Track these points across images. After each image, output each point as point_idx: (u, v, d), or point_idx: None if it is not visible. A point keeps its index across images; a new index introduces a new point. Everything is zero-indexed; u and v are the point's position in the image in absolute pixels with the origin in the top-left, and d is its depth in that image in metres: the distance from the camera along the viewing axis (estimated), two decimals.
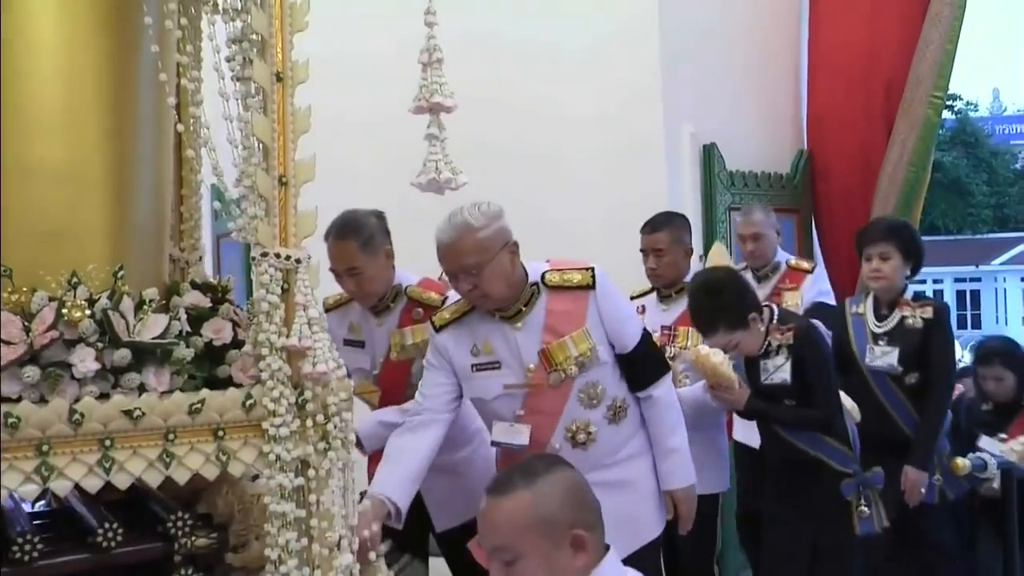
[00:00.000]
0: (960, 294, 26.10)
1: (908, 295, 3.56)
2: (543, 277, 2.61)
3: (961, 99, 27.95)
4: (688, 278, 3.51)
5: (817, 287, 4.20)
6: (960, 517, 3.82)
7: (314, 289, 2.02)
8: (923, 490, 3.44)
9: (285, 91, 2.00)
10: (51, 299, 1.91)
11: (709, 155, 4.66)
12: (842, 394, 3.19)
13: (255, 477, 2.14)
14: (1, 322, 1.84)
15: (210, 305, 2.25)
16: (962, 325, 23.70)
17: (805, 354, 3.02)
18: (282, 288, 1.99)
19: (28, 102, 2.00)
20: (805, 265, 4.29)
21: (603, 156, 4.51)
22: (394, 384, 2.95)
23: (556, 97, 4.54)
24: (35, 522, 2.17)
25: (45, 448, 1.81)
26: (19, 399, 1.83)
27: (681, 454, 2.70)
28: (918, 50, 4.93)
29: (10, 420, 1.77)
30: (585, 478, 1.79)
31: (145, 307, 1.99)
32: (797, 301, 4.07)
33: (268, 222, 1.98)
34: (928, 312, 3.49)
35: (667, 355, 3.24)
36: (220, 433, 1.96)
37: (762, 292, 4.07)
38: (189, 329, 2.11)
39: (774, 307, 3.17)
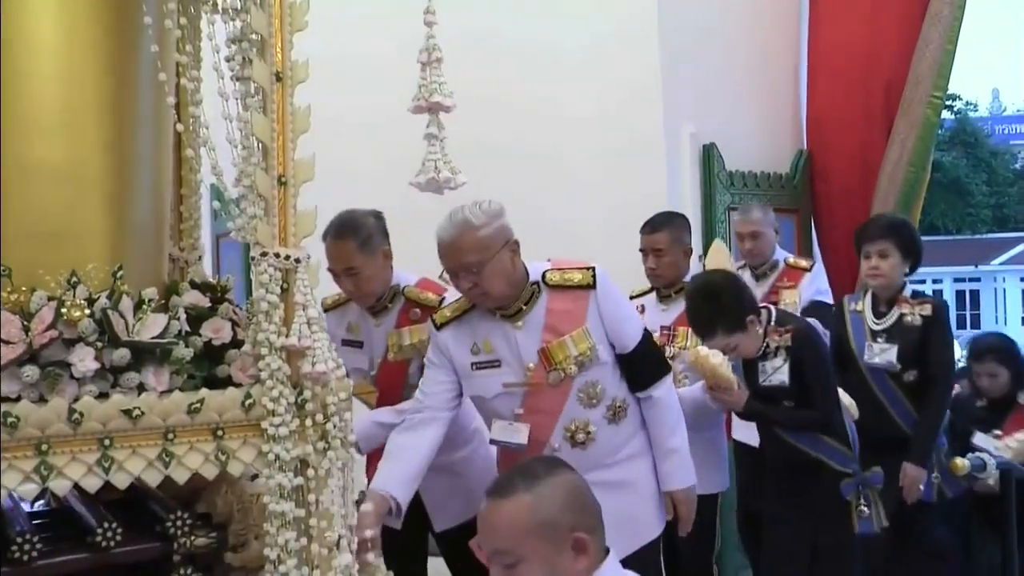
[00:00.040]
0: (959, 294, 26.09)
1: (907, 293, 3.56)
2: (544, 276, 2.61)
3: (961, 99, 27.94)
4: (688, 278, 3.51)
5: (815, 285, 4.20)
6: (956, 515, 3.82)
7: (313, 289, 2.02)
8: (921, 487, 3.44)
9: (284, 91, 2.00)
10: (50, 299, 1.91)
11: (709, 155, 4.66)
12: (840, 391, 3.19)
13: (254, 476, 2.14)
14: (1, 322, 1.84)
15: (209, 305, 2.25)
16: (961, 325, 23.68)
17: (803, 355, 3.02)
18: (281, 288, 1.99)
19: (28, 102, 2.00)
20: (803, 263, 4.29)
21: (603, 156, 4.51)
22: (391, 385, 2.95)
23: (556, 97, 4.54)
24: (34, 522, 2.17)
25: (44, 447, 1.81)
26: (18, 398, 1.83)
27: (681, 455, 2.70)
28: (918, 50, 4.93)
29: (9, 419, 1.77)
30: (586, 480, 1.78)
31: (144, 307, 1.99)
32: (795, 299, 4.07)
33: (267, 222, 1.99)
34: (927, 310, 3.50)
35: (667, 355, 3.24)
36: (219, 433, 1.96)
37: (760, 290, 4.07)
38: (188, 329, 2.12)
39: (772, 308, 3.17)
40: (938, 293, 23.24)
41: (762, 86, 5.12)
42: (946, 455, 3.59)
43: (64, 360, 1.88)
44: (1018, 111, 31.82)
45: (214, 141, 2.06)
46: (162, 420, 1.90)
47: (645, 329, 2.73)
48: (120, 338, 1.91)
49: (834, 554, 3.07)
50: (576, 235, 4.13)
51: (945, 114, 18.53)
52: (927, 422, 3.48)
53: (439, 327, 2.66)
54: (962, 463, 3.48)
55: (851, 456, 3.09)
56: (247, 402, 1.97)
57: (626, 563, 1.84)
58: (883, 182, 4.96)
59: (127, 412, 1.87)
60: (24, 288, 1.92)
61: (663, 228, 3.48)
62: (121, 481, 1.88)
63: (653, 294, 3.57)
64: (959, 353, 4.07)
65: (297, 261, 2.00)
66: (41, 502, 2.31)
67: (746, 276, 4.11)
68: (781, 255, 4.31)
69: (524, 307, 2.60)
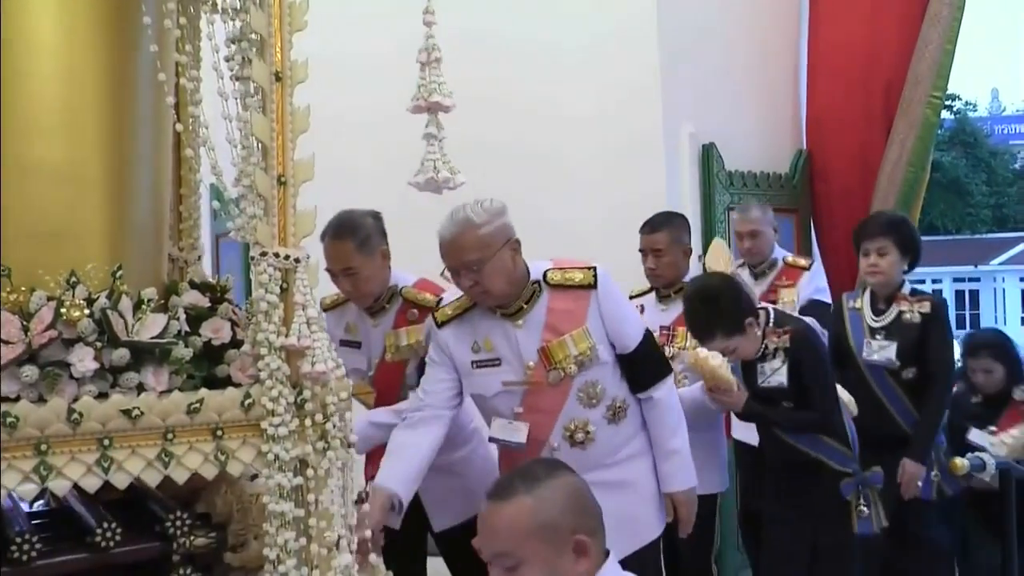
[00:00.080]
0: (959, 294, 26.08)
1: (905, 290, 3.57)
2: (545, 275, 2.62)
3: (960, 99, 27.95)
4: (687, 278, 3.51)
5: (814, 284, 4.21)
6: (955, 514, 3.81)
7: (313, 289, 2.02)
8: (920, 484, 3.44)
9: (284, 90, 2.00)
10: (50, 298, 1.91)
11: (708, 155, 4.66)
12: (839, 387, 3.19)
13: (254, 476, 2.14)
14: (0, 321, 1.84)
15: (209, 304, 2.25)
16: (961, 325, 23.66)
17: (802, 356, 3.02)
18: (281, 287, 1.99)
19: (27, 102, 2.00)
20: (802, 262, 4.30)
21: (602, 156, 4.51)
22: (389, 385, 2.95)
23: (555, 97, 4.54)
24: (33, 522, 2.16)
25: (44, 447, 1.81)
26: (17, 398, 1.83)
27: (682, 456, 2.70)
28: (917, 50, 4.93)
29: (8, 419, 1.77)
30: (586, 482, 1.77)
31: (144, 307, 1.99)
32: (793, 298, 4.08)
33: (267, 222, 1.99)
34: (926, 307, 3.50)
35: (666, 355, 3.24)
36: (219, 432, 1.96)
37: (759, 289, 4.08)
38: (188, 328, 2.12)
39: (770, 309, 3.17)
40: (938, 293, 23.21)
41: (761, 86, 5.12)
42: (945, 453, 3.59)
43: (63, 360, 1.88)
44: (1017, 111, 31.82)
45: (213, 141, 2.06)
46: (161, 420, 1.90)
47: (647, 330, 2.73)
48: (119, 338, 1.91)
49: (834, 554, 3.07)
50: (575, 235, 4.13)
51: (944, 114, 18.57)
52: (927, 419, 3.48)
53: (440, 325, 2.66)
54: (961, 463, 3.48)
55: (851, 456, 3.10)
56: (246, 402, 1.97)
57: (625, 563, 1.84)
58: (882, 182, 4.97)
59: (126, 412, 1.87)
60: (23, 288, 1.92)
61: (662, 228, 3.49)
62: (120, 481, 1.88)
63: (652, 294, 3.57)
64: (957, 353, 4.06)
65: (297, 261, 1.99)
66: (40, 502, 2.31)
67: (745, 275, 4.12)
68: (780, 254, 4.31)
69: (525, 306, 2.60)
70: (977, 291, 26.51)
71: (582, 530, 1.67)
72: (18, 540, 1.92)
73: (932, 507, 3.60)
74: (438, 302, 2.83)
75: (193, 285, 2.32)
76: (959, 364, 3.94)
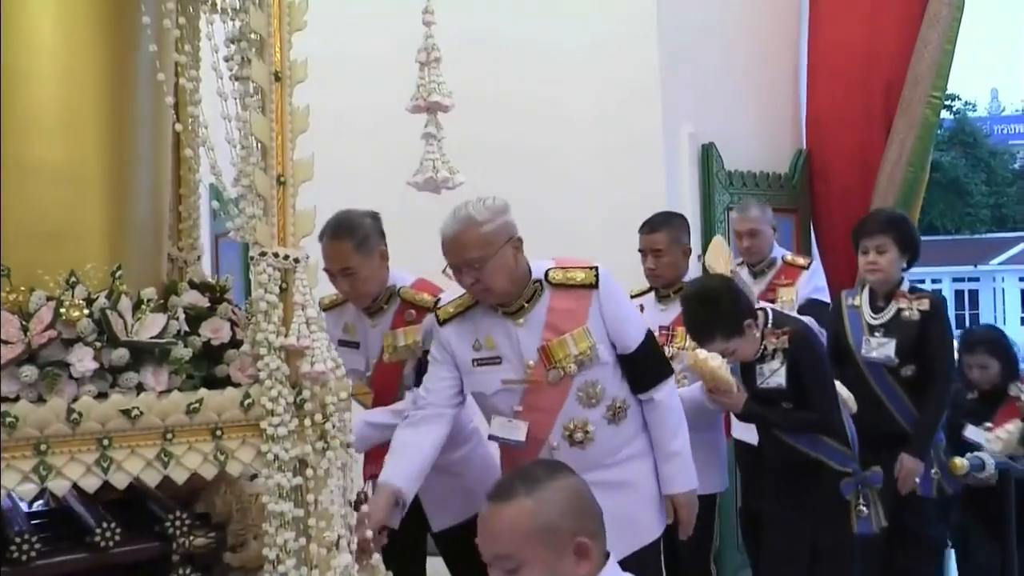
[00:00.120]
0: (958, 294, 26.08)
1: (904, 287, 3.57)
2: (546, 274, 2.62)
3: (959, 99, 27.96)
4: (687, 278, 3.51)
5: (813, 283, 4.21)
6: (953, 512, 3.81)
7: (312, 288, 2.02)
8: (917, 480, 3.44)
9: (283, 90, 2.00)
10: (49, 298, 1.91)
11: (708, 155, 4.66)
12: (838, 384, 3.19)
13: (253, 476, 2.13)
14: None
15: (208, 304, 2.25)
16: (960, 325, 23.61)
17: (800, 357, 3.02)
18: (280, 287, 1.99)
19: (27, 102, 2.00)
20: (801, 261, 4.31)
21: (602, 156, 4.51)
22: (387, 386, 2.95)
23: (555, 97, 4.54)
24: (33, 522, 2.16)
25: (43, 447, 1.81)
26: (17, 398, 1.83)
27: (683, 458, 2.69)
28: (916, 50, 4.93)
29: (8, 419, 1.77)
30: (587, 484, 1.76)
31: (143, 306, 1.99)
32: (792, 297, 4.08)
33: (266, 221, 1.98)
34: (925, 304, 3.50)
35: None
36: (218, 432, 1.96)
37: (758, 288, 4.08)
38: (187, 328, 2.11)
39: (768, 310, 3.17)
40: (937, 293, 23.17)
41: (761, 86, 5.12)
42: (945, 451, 3.59)
43: (63, 360, 1.88)
44: (1017, 111, 31.84)
45: (213, 141, 2.06)
46: (161, 420, 1.90)
47: (648, 331, 2.73)
48: (119, 338, 1.91)
49: (834, 554, 3.07)
50: (575, 235, 4.13)
51: (944, 114, 18.61)
52: (928, 416, 3.48)
53: (442, 323, 2.67)
54: (961, 463, 3.48)
55: (851, 456, 3.10)
56: (246, 402, 1.97)
57: (624, 564, 1.83)
58: (882, 182, 4.97)
59: (126, 412, 1.87)
60: (23, 288, 1.92)
61: (662, 228, 3.49)
62: (120, 481, 1.88)
63: (652, 294, 3.57)
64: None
65: (296, 261, 1.99)
66: (40, 502, 2.31)
67: (744, 273, 4.12)
68: (779, 253, 4.32)
69: (526, 305, 2.60)
70: (976, 291, 26.52)
71: (583, 532, 1.66)
72: (17, 540, 1.91)
73: (932, 505, 3.60)
74: (435, 302, 2.83)
75: (192, 285, 2.32)
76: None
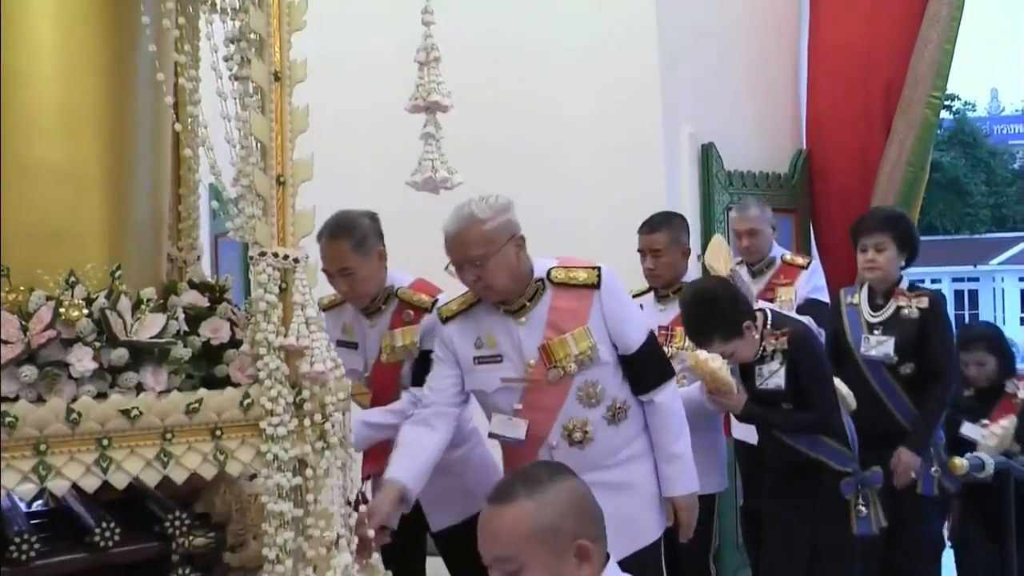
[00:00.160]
0: (958, 294, 26.07)
1: (903, 285, 3.57)
2: (549, 273, 2.62)
3: (959, 99, 27.95)
4: (686, 278, 3.51)
5: (812, 283, 4.21)
6: (945, 506, 3.81)
7: (312, 288, 2.02)
8: (913, 475, 3.44)
9: (283, 90, 2.00)
10: (49, 298, 1.91)
11: (707, 155, 4.66)
12: (837, 381, 3.19)
13: (253, 476, 2.14)
14: None
15: (208, 304, 2.25)
16: (960, 325, 23.67)
17: (800, 358, 3.02)
18: (280, 287, 1.99)
19: (27, 102, 2.00)
20: (800, 261, 4.31)
21: (602, 156, 4.51)
22: (385, 386, 2.95)
23: (554, 97, 4.54)
24: (32, 522, 2.16)
25: (43, 447, 1.81)
26: (16, 398, 1.83)
27: (685, 461, 2.69)
28: (916, 50, 4.93)
29: (7, 419, 1.77)
30: (589, 486, 1.75)
31: (143, 306, 1.99)
32: (791, 296, 4.08)
33: (266, 221, 1.99)
34: (924, 302, 3.50)
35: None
36: (218, 432, 1.96)
37: (757, 287, 4.08)
38: (187, 328, 2.12)
39: (767, 311, 3.16)
40: (936, 291, 23.15)
41: (761, 86, 5.12)
42: (945, 449, 3.59)
43: (62, 360, 1.88)
44: (1016, 111, 31.83)
45: (212, 141, 2.06)
46: (160, 420, 1.90)
47: (651, 332, 2.73)
48: (118, 338, 1.91)
49: (834, 554, 3.07)
50: (575, 235, 4.13)
51: (944, 114, 18.59)
52: (929, 411, 3.48)
53: (445, 320, 2.67)
54: (960, 463, 3.48)
55: (850, 456, 3.10)
56: (245, 402, 1.97)
57: (624, 565, 1.82)
58: (882, 182, 4.97)
59: (125, 412, 1.87)
60: (22, 288, 1.92)
61: (661, 228, 3.48)
62: (119, 481, 1.88)
63: (651, 294, 3.57)
64: None
65: (296, 261, 1.99)
66: (39, 502, 2.31)
67: (743, 272, 4.12)
68: (778, 252, 4.32)
69: (528, 303, 2.60)
70: (976, 291, 26.52)
71: (584, 535, 1.65)
72: (17, 540, 1.92)
73: (932, 504, 3.60)
74: (433, 303, 2.83)
75: (192, 285, 2.32)
76: None
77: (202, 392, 1.96)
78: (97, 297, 1.94)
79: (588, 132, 4.53)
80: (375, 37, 4.55)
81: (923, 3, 4.93)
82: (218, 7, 2.23)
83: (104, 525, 2.00)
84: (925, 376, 3.50)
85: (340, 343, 3.03)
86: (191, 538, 2.08)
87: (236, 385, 2.03)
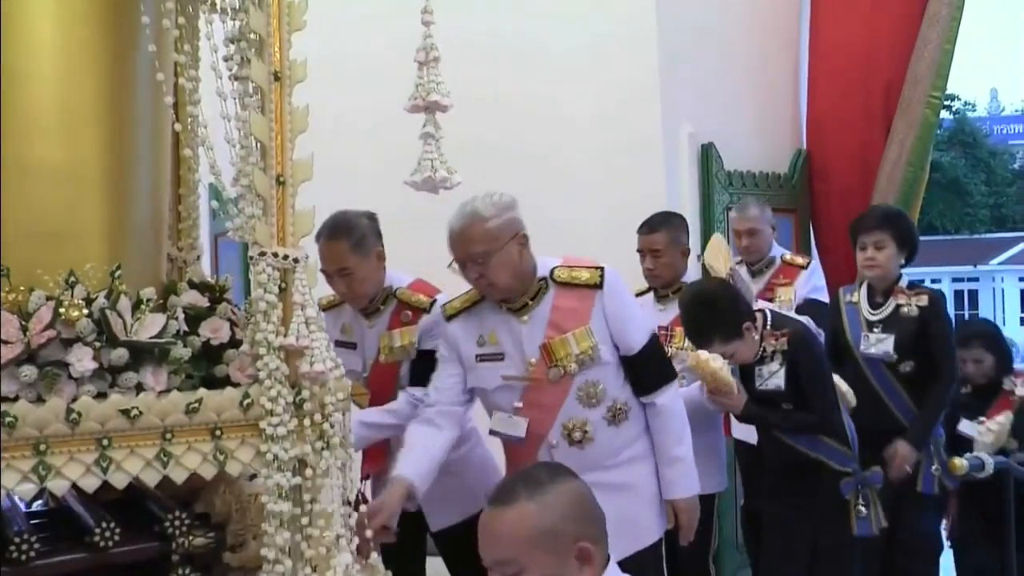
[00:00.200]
0: (958, 294, 26.07)
1: (903, 283, 3.57)
2: (552, 272, 2.62)
3: (959, 99, 27.95)
4: (686, 278, 3.51)
5: (811, 283, 4.22)
6: (942, 503, 3.81)
7: (311, 288, 2.02)
8: (908, 468, 3.43)
9: (283, 90, 2.00)
10: (49, 298, 1.91)
11: (707, 155, 4.66)
12: (837, 379, 3.18)
13: (253, 476, 2.14)
14: None
15: (208, 304, 2.25)
16: (958, 323, 23.66)
17: (799, 359, 3.02)
18: (280, 287, 1.99)
19: (27, 102, 2.00)
20: (800, 260, 4.31)
21: (601, 156, 4.51)
22: (383, 387, 2.94)
23: (554, 97, 4.54)
24: (32, 522, 2.16)
25: (42, 447, 1.81)
26: (16, 398, 1.83)
27: (686, 463, 2.69)
28: (916, 50, 4.93)
29: (7, 419, 1.77)
30: (590, 488, 1.73)
31: (143, 306, 1.99)
32: (790, 296, 4.08)
33: (266, 221, 1.99)
34: (924, 300, 3.50)
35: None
36: (218, 432, 1.96)
37: (756, 286, 4.08)
38: (187, 328, 2.12)
39: (767, 312, 3.16)
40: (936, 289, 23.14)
41: (761, 86, 5.12)
42: (945, 447, 3.59)
43: (62, 360, 1.88)
44: (1016, 111, 31.84)
45: (212, 141, 2.06)
46: (160, 420, 1.90)
47: (653, 334, 2.72)
48: (118, 338, 1.91)
49: (833, 554, 3.07)
50: (575, 235, 4.12)
51: (944, 114, 18.55)
52: (929, 408, 3.48)
53: (448, 318, 2.68)
54: (960, 463, 3.47)
55: (851, 456, 3.10)
56: (245, 402, 1.97)
57: (623, 566, 1.82)
58: (882, 182, 4.97)
59: (125, 412, 1.87)
60: (22, 288, 1.92)
61: (660, 228, 3.48)
62: (119, 481, 1.88)
63: (650, 294, 3.57)
64: None
65: (295, 261, 2.00)
66: (39, 502, 2.31)
67: (743, 272, 4.12)
68: (778, 252, 4.32)
69: (530, 302, 2.61)
70: (976, 291, 26.52)
71: (585, 537, 1.64)
72: (17, 540, 1.92)
73: (932, 504, 3.60)
74: (431, 303, 2.83)
75: (192, 285, 2.32)
76: None
77: (202, 392, 1.96)
78: (97, 297, 1.94)
79: (588, 132, 4.53)
80: (375, 37, 4.55)
81: (923, 3, 4.93)
82: (218, 7, 2.23)
83: (104, 525, 2.00)
84: (925, 374, 3.50)
85: (339, 343, 3.02)
86: (191, 538, 2.08)
87: (236, 385, 2.03)
